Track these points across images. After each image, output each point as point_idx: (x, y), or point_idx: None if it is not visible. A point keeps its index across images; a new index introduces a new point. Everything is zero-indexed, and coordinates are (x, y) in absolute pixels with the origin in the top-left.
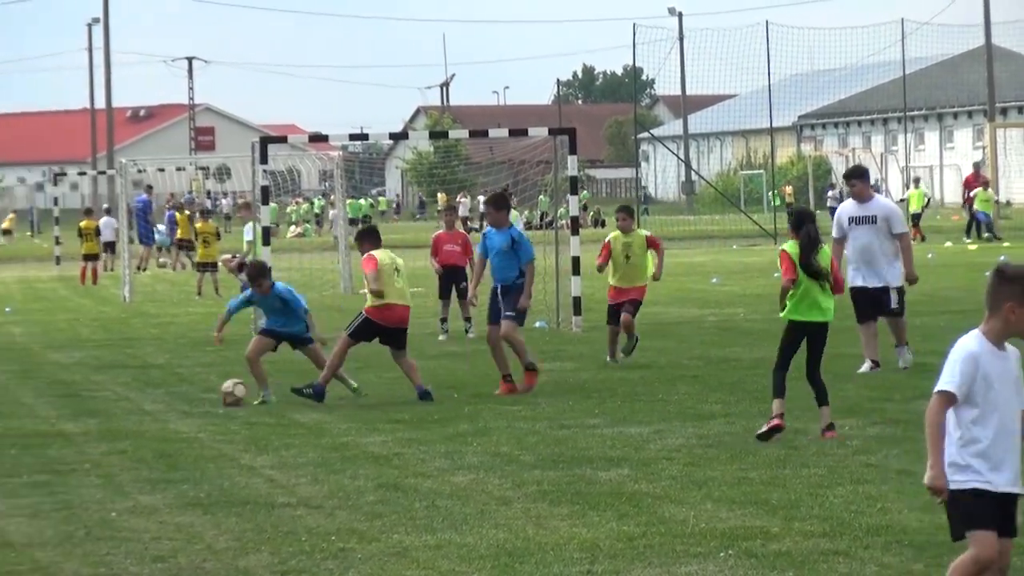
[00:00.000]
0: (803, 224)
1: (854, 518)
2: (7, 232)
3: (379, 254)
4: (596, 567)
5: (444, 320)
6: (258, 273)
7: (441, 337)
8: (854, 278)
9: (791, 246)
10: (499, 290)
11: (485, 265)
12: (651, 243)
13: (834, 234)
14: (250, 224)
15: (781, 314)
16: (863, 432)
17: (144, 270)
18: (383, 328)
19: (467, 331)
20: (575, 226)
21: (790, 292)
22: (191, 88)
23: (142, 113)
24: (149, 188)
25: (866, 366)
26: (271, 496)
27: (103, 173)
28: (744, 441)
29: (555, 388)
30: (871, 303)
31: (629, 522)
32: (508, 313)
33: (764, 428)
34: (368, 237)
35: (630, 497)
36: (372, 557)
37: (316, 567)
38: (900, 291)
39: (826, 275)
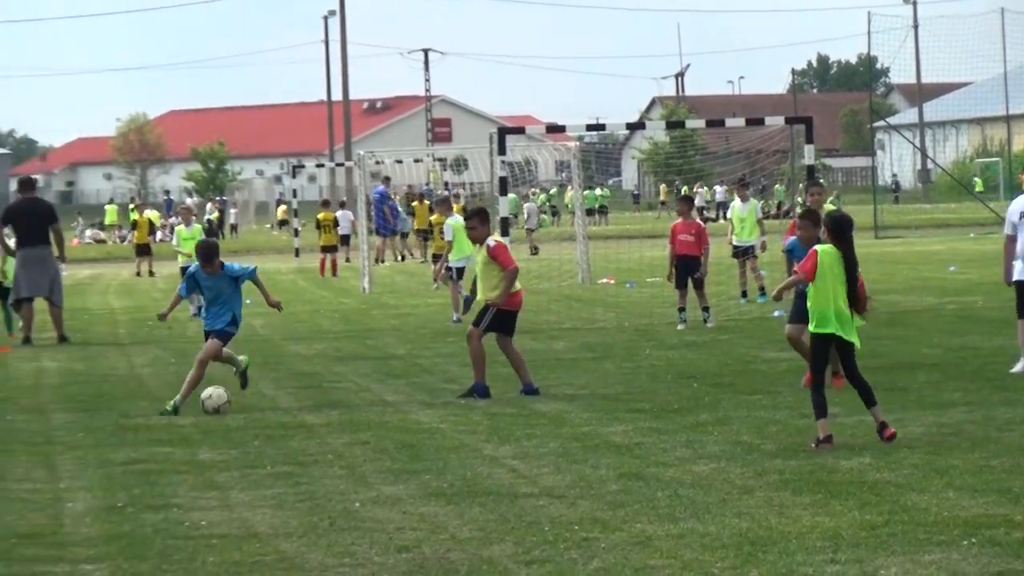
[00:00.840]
0: (844, 232)
1: None
2: (284, 223)
3: (503, 239)
4: (839, 556)
5: (682, 309)
6: (212, 252)
7: (680, 327)
8: (1021, 272)
9: (824, 251)
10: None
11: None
12: None
13: (1005, 231)
14: (449, 221)
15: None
16: None
17: (382, 262)
18: (514, 314)
19: (705, 320)
20: None
21: (811, 304)
22: (427, 80)
23: (379, 105)
24: (386, 179)
25: (1020, 365)
26: (514, 486)
27: (340, 165)
28: (985, 429)
29: (795, 377)
30: None
31: (871, 511)
32: None
33: (813, 446)
34: (484, 217)
35: (872, 486)
36: (615, 547)
37: (559, 556)
38: None
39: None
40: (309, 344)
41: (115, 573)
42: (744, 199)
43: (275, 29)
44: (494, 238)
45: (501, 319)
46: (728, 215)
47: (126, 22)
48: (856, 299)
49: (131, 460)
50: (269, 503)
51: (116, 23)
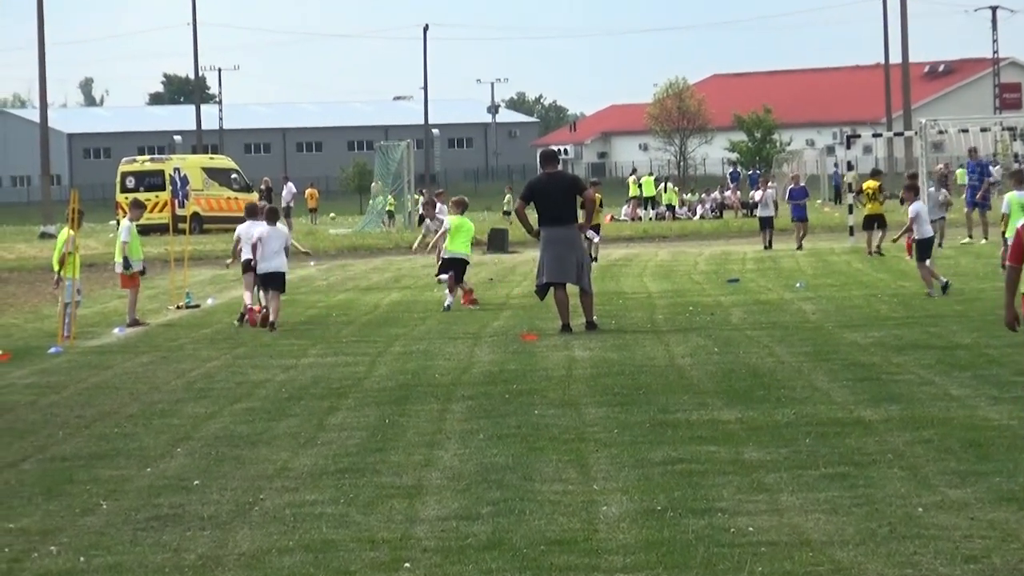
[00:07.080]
0: None
1: None
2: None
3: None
4: None
5: None
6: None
7: None
8: None
9: None
10: None
11: None
12: None
13: None
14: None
15: None
16: None
17: (971, 238)
18: None
19: None
20: None
21: None
22: (995, 40)
23: (941, 69)
24: (973, 151)
25: None
26: None
27: (899, 135)
28: None
29: None
30: None
31: None
32: None
33: None
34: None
35: None
36: None
37: None
38: None
39: None
40: (865, 332)
41: None
42: None
43: None
44: None
45: None
46: None
47: None
48: None
49: (671, 459)
50: (822, 507)
51: None
